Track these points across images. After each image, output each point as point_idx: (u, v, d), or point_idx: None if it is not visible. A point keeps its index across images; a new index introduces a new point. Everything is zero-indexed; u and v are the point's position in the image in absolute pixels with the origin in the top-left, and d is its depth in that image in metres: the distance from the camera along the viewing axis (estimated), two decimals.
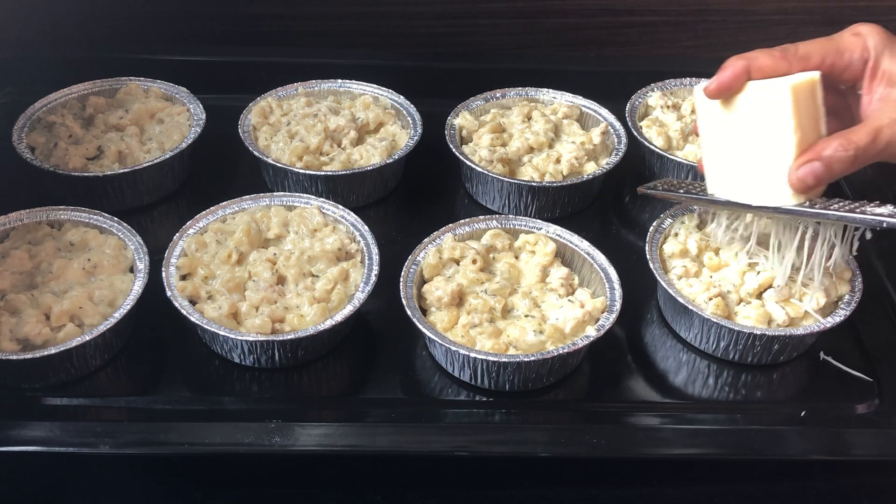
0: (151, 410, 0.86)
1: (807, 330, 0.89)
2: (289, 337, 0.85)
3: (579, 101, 1.20)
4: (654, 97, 1.21)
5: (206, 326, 0.85)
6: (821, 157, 0.80)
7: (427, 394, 0.89)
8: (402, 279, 0.91)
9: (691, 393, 0.91)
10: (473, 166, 1.08)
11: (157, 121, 1.15)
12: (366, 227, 0.98)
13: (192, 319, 0.86)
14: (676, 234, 0.98)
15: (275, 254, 0.95)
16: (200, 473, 0.84)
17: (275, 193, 1.02)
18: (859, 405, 0.90)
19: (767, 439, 0.84)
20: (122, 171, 1.04)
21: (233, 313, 0.89)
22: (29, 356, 0.82)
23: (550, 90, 1.21)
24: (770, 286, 0.92)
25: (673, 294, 0.91)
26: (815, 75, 0.82)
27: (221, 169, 1.16)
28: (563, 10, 1.40)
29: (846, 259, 0.92)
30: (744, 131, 0.85)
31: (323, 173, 1.06)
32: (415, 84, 1.20)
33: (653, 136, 1.15)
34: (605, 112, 1.18)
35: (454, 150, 1.10)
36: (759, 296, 0.92)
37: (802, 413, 0.88)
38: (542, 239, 0.97)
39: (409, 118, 1.15)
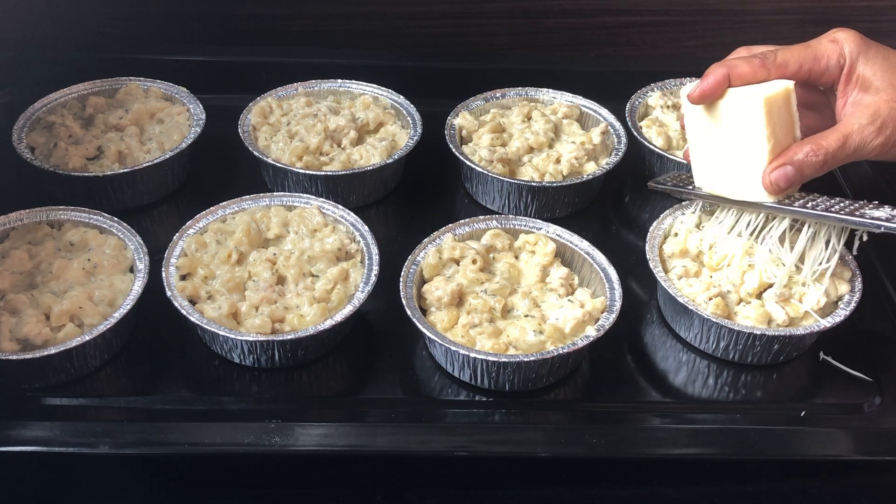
0: (151, 410, 0.86)
1: (807, 330, 0.89)
2: (289, 337, 0.85)
3: (579, 101, 1.20)
4: (653, 97, 1.21)
5: (206, 326, 0.85)
6: (792, 162, 0.86)
7: (427, 394, 0.89)
8: (402, 279, 0.91)
9: (691, 393, 0.91)
10: (473, 166, 1.08)
11: (156, 121, 1.15)
12: (366, 227, 0.98)
13: (192, 319, 0.86)
14: (676, 234, 0.98)
15: (275, 254, 0.95)
16: (200, 473, 0.84)
17: (275, 193, 1.02)
18: (859, 405, 0.90)
19: (767, 439, 0.84)
20: (122, 171, 1.04)
21: (233, 313, 0.89)
22: (29, 356, 0.82)
23: (550, 90, 1.21)
24: (770, 286, 0.92)
25: (673, 294, 0.91)
26: (790, 84, 0.87)
27: (221, 169, 1.16)
28: (563, 10, 1.40)
29: (846, 259, 0.93)
30: (724, 134, 0.90)
31: (323, 173, 1.06)
32: (415, 84, 1.20)
33: (653, 135, 1.15)
34: (605, 112, 1.18)
35: (454, 150, 1.10)
36: (759, 296, 0.92)
37: (802, 413, 0.88)
38: (541, 239, 0.97)
39: (408, 118, 1.15)
